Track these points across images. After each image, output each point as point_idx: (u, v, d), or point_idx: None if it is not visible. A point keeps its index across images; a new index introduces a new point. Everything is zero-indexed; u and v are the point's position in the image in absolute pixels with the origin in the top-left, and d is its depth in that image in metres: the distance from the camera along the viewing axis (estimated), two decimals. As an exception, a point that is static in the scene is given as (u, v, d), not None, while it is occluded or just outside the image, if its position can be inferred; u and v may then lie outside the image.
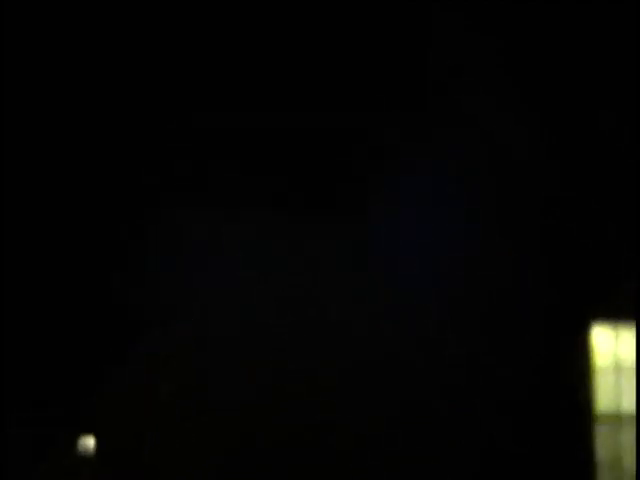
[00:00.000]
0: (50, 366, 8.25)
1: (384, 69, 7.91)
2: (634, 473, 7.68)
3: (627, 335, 7.86)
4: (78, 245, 8.31)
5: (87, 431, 8.76)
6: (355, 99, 7.91)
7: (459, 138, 7.89)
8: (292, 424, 7.90)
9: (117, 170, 8.27)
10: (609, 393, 7.79)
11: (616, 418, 7.75)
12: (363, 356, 7.90)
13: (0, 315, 8.28)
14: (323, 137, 7.93)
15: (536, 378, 7.73)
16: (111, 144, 8.27)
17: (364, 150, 7.93)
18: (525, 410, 7.72)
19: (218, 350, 8.03)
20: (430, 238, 7.84)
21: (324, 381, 7.91)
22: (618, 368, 7.84)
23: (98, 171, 8.30)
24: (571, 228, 7.78)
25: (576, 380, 7.70)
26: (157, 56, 8.16)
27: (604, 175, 7.75)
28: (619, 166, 7.72)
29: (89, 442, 8.78)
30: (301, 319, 7.98)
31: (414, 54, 7.88)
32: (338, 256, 7.99)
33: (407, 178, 7.88)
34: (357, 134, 7.89)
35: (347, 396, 7.89)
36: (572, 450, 7.70)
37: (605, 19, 7.66)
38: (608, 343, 7.88)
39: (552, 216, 7.82)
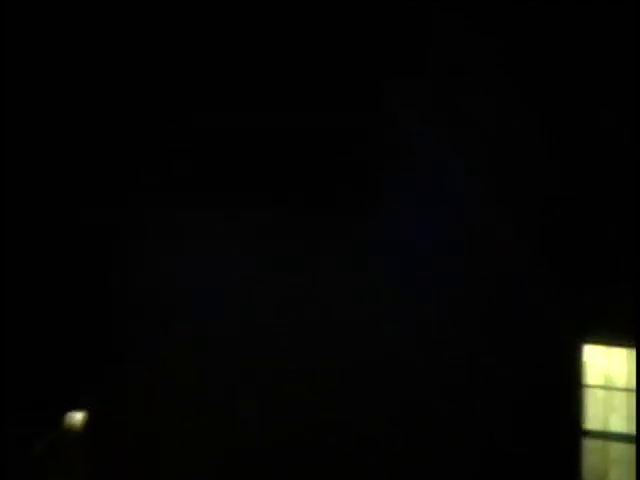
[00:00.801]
0: (50, 366, 8.25)
1: (384, 69, 7.91)
2: None
3: (619, 354, 7.82)
4: (78, 245, 8.31)
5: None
6: (355, 99, 7.91)
7: (459, 138, 7.88)
8: (292, 424, 7.90)
9: (117, 170, 8.27)
10: (598, 410, 7.77)
11: (604, 435, 7.73)
12: (363, 356, 7.90)
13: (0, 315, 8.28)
14: (323, 137, 7.93)
15: (536, 379, 7.73)
16: (111, 144, 8.27)
17: (364, 150, 7.93)
18: (525, 410, 7.71)
19: (218, 350, 8.04)
20: (430, 238, 7.83)
21: (324, 381, 7.91)
22: (608, 387, 7.82)
23: (98, 171, 8.30)
24: (571, 228, 7.78)
25: (567, 392, 7.68)
26: (157, 56, 8.16)
27: (604, 175, 7.74)
28: (619, 166, 7.72)
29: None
30: (301, 319, 7.98)
31: (414, 54, 7.88)
32: (338, 256, 7.99)
33: (407, 178, 7.88)
34: (357, 134, 7.89)
35: (347, 396, 7.89)
36: (560, 461, 7.69)
37: (605, 19, 7.66)
38: (600, 361, 7.86)
39: (552, 216, 7.81)
